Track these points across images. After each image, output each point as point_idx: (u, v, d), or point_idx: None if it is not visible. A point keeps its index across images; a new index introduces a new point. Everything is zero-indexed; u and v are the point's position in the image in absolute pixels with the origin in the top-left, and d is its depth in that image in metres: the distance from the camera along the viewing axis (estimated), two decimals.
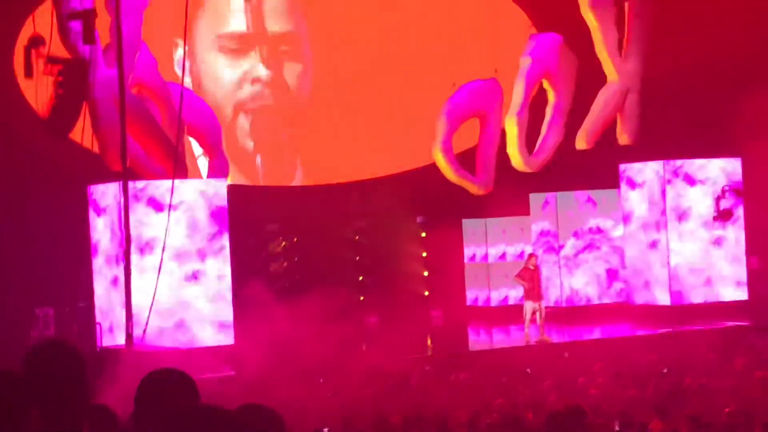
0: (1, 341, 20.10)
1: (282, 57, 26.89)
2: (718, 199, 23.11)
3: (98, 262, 21.17)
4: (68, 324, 21.39)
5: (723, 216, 22.99)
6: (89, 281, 21.29)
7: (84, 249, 21.35)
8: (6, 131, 22.69)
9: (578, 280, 25.76)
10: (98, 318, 20.97)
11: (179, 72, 23.12)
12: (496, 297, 26.66)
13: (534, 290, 22.60)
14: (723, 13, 25.48)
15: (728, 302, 24.37)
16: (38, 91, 19.78)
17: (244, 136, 26.47)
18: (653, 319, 23.86)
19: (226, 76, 26.40)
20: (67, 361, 5.14)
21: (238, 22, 26.54)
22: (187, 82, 24.42)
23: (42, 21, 20.27)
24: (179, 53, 24.98)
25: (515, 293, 25.36)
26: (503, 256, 26.74)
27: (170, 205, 20.19)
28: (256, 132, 26.65)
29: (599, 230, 25.93)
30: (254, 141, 26.71)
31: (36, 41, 19.36)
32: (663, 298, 24.47)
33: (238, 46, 26.52)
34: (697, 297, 24.41)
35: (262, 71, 26.58)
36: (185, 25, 20.29)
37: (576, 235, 25.86)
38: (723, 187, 23.44)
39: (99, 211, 21.21)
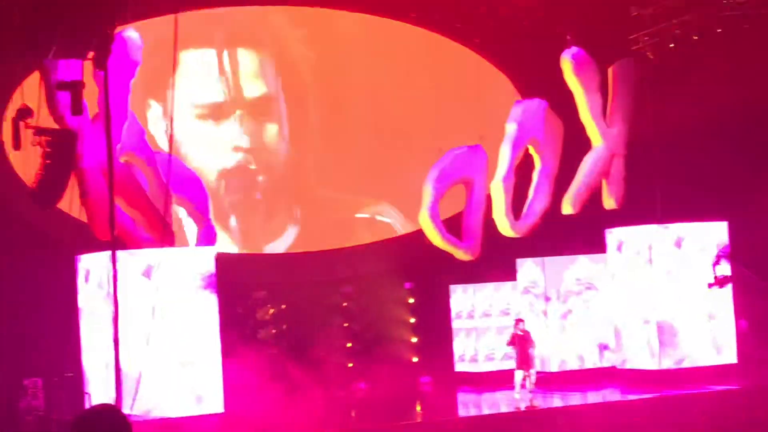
0: None
1: (260, 120, 26.96)
2: (713, 266, 23.15)
3: (87, 332, 21.11)
4: (57, 394, 21.29)
5: (720, 283, 23.03)
6: (77, 350, 21.21)
7: (72, 318, 21.29)
8: None
9: (568, 344, 25.76)
10: (87, 387, 20.89)
11: (152, 132, 23.21)
12: (483, 354, 26.58)
13: (523, 357, 22.63)
14: (707, 77, 25.73)
15: (718, 366, 24.37)
16: (27, 162, 19.83)
17: (217, 197, 26.39)
18: (644, 384, 23.84)
19: (206, 144, 26.36)
20: (116, 427, 5.27)
21: (213, 91, 26.60)
22: (166, 147, 24.50)
23: (30, 92, 20.36)
24: (151, 113, 25.09)
25: (501, 352, 25.34)
26: (489, 316, 26.73)
27: (148, 272, 20.17)
28: (231, 193, 26.68)
29: (588, 291, 25.96)
30: (229, 202, 26.71)
31: (24, 112, 19.40)
32: (653, 363, 24.45)
33: (215, 114, 26.56)
34: (687, 361, 24.39)
35: (243, 139, 26.64)
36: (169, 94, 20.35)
37: (565, 298, 25.90)
38: (718, 254, 23.49)
39: (87, 280, 21.20)
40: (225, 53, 26.71)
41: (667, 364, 24.28)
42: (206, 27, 26.08)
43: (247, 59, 26.96)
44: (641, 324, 24.62)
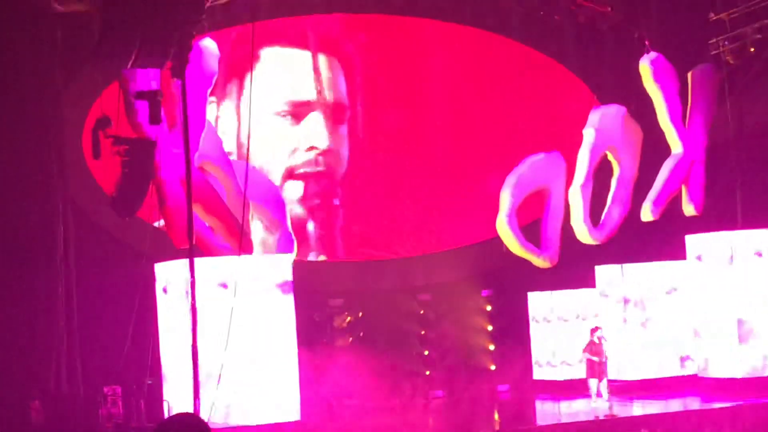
0: (70, 420, 20.23)
1: (337, 124, 27.06)
2: None
3: (165, 339, 21.30)
4: (136, 401, 21.48)
5: None
6: (156, 358, 21.39)
7: (151, 326, 21.48)
8: (76, 210, 22.98)
9: (646, 352, 25.51)
10: (165, 395, 21.06)
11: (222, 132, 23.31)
12: (559, 360, 26.42)
13: (599, 365, 22.51)
14: None
15: None
16: (106, 171, 20.05)
17: (292, 202, 26.40)
18: (724, 392, 23.54)
19: (278, 142, 26.40)
20: None
21: (297, 88, 26.72)
22: (232, 144, 24.66)
23: (109, 102, 20.58)
24: (222, 112, 25.26)
25: (577, 358, 25.19)
26: (566, 321, 26.59)
27: (227, 284, 20.28)
28: (308, 198, 26.75)
29: (668, 298, 25.71)
30: (306, 207, 26.77)
31: (103, 122, 19.61)
32: (734, 371, 24.13)
33: (297, 112, 26.66)
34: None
35: (320, 139, 26.75)
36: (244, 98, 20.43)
37: (644, 305, 25.66)
38: None
39: (166, 288, 21.38)
40: (319, 55, 26.86)
41: (750, 365, 23.90)
42: (299, 27, 26.23)
43: (331, 64, 27.08)
44: (723, 331, 24.30)
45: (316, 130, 26.73)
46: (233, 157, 24.29)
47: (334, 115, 26.98)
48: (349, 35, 27.12)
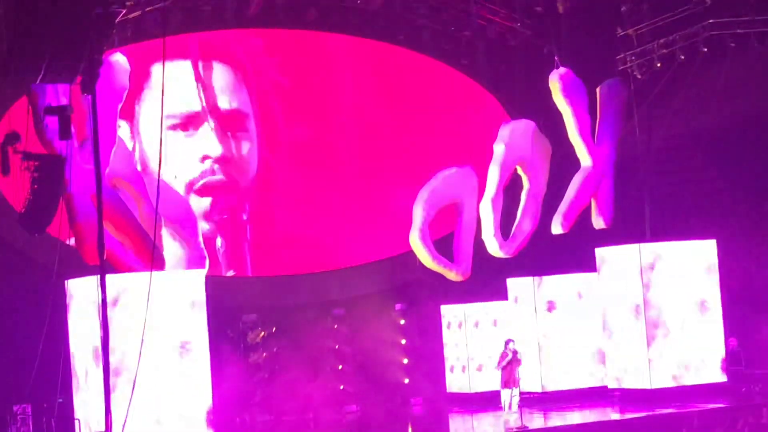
0: None
1: (232, 133, 26.89)
2: None
3: (76, 356, 21.07)
4: (46, 420, 21.23)
5: None
6: (67, 376, 21.14)
7: (61, 344, 21.22)
8: None
9: (557, 364, 25.76)
10: (76, 413, 20.84)
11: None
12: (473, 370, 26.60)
13: (510, 377, 22.71)
14: (693, 96, 25.85)
15: (707, 384, 24.39)
16: (15, 187, 19.83)
17: (200, 217, 26.11)
18: (632, 403, 23.85)
19: (174, 156, 26.07)
20: None
21: (187, 100, 26.51)
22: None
23: (18, 118, 20.38)
24: (121, 134, 25.03)
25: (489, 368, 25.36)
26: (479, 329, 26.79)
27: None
28: (216, 213, 26.59)
29: (577, 310, 26.00)
30: (214, 222, 26.59)
31: (12, 138, 19.41)
32: (642, 382, 24.46)
33: (187, 123, 26.43)
34: (676, 380, 24.41)
35: (213, 147, 26.57)
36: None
37: (554, 316, 25.92)
38: None
39: (76, 305, 21.15)
40: (200, 64, 26.65)
41: (658, 383, 24.29)
42: (181, 39, 25.84)
43: (222, 73, 26.91)
44: (631, 343, 24.64)
45: (207, 139, 26.54)
46: None
47: (230, 123, 26.79)
48: (250, 49, 26.97)
